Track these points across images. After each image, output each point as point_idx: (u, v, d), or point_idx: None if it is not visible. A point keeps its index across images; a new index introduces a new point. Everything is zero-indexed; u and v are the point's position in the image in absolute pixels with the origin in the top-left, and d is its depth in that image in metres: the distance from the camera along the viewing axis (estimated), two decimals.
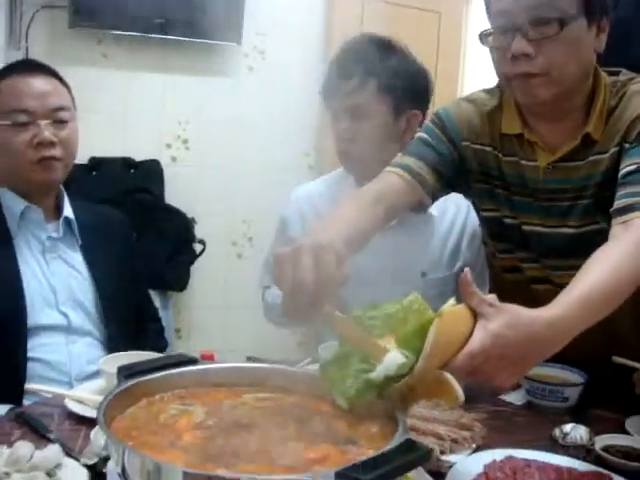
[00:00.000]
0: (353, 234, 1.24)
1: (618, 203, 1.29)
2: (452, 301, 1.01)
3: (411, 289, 1.30)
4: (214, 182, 3.28)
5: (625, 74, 1.44)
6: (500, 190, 1.49)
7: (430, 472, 1.03)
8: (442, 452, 1.15)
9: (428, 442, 1.15)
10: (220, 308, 3.36)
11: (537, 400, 1.46)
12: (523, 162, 1.45)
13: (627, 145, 1.35)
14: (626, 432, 1.32)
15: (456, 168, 1.49)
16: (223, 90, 3.25)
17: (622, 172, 1.32)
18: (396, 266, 1.81)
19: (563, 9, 1.28)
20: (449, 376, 0.95)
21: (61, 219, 1.79)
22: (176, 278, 3.18)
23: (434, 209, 1.79)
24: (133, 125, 3.13)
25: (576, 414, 1.40)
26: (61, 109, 1.73)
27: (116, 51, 3.12)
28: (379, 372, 0.93)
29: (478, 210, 1.61)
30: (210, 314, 3.35)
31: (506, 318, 1.00)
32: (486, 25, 1.38)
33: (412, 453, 0.76)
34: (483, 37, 1.37)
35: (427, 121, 1.56)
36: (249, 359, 1.58)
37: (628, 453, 1.22)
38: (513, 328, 1.00)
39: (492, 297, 1.03)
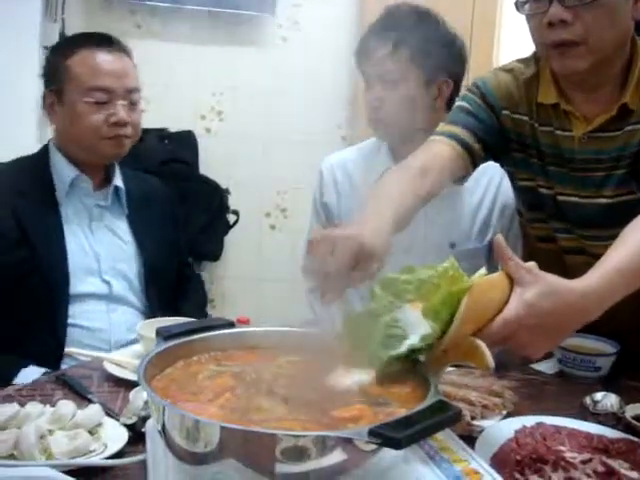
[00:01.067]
0: (397, 217, 1.23)
1: None
2: (483, 270, 1.01)
3: (439, 260, 1.31)
4: (248, 153, 3.30)
5: None
6: (535, 160, 1.49)
7: (461, 437, 1.04)
8: (473, 417, 1.17)
9: (460, 407, 1.17)
10: (253, 279, 3.39)
11: (569, 369, 1.47)
12: (558, 132, 1.44)
13: None
14: None
15: (498, 136, 1.49)
16: (257, 61, 3.25)
17: None
18: (425, 236, 1.81)
19: None
20: (481, 343, 0.96)
21: (111, 188, 1.84)
22: (210, 248, 3.22)
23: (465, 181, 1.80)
24: (167, 96, 3.15)
25: (607, 383, 1.41)
26: (136, 90, 1.81)
27: (150, 22, 3.14)
28: (413, 341, 0.94)
29: (513, 180, 1.61)
30: (243, 285, 3.39)
31: (542, 287, 1.01)
32: None
33: (443, 413, 0.78)
34: (519, 4, 1.35)
35: (464, 91, 1.55)
36: None
37: None
38: (549, 298, 1.01)
39: (532, 264, 1.04)
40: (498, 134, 1.49)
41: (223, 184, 3.22)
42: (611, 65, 1.36)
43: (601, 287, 1.06)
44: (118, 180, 1.86)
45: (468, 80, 3.05)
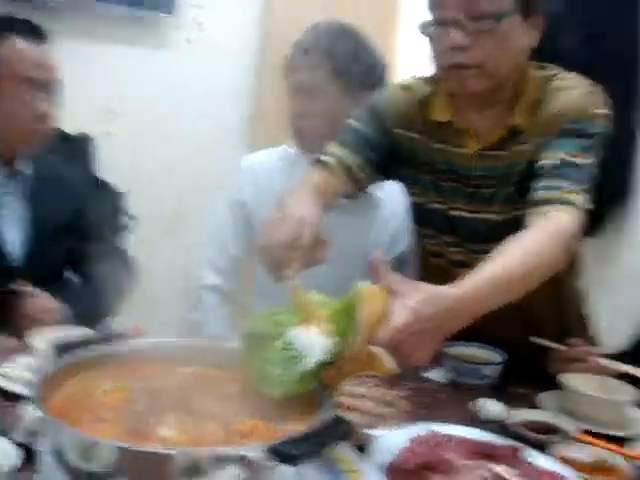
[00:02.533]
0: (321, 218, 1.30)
1: (537, 194, 1.36)
2: (365, 283, 1.05)
3: (353, 270, 1.36)
4: (147, 156, 3.24)
5: (553, 69, 1.50)
6: (429, 176, 1.54)
7: (356, 446, 1.06)
8: (367, 427, 1.20)
9: (354, 417, 1.19)
10: (148, 284, 3.33)
11: (459, 378, 1.53)
12: (452, 149, 1.50)
13: (549, 138, 1.42)
14: (539, 407, 1.40)
15: (387, 155, 1.54)
16: (158, 62, 3.20)
17: (542, 164, 1.39)
18: (339, 247, 1.85)
19: (500, 4, 1.33)
20: (379, 349, 1.00)
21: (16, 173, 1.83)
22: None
23: (380, 192, 1.84)
24: (65, 97, 3.06)
25: (494, 391, 1.47)
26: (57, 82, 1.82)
27: (46, 21, 3.03)
28: (310, 361, 0.96)
29: (406, 195, 1.66)
30: (139, 291, 3.32)
31: (423, 294, 1.08)
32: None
33: (338, 428, 0.80)
34: (424, 27, 1.41)
35: (360, 109, 1.60)
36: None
37: (539, 427, 1.29)
38: (430, 304, 1.07)
39: (398, 277, 1.11)
40: (388, 152, 1.54)
41: (121, 188, 3.15)
42: (504, 88, 1.44)
43: (473, 294, 1.14)
44: (23, 165, 1.84)
45: None
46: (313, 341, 0.96)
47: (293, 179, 1.85)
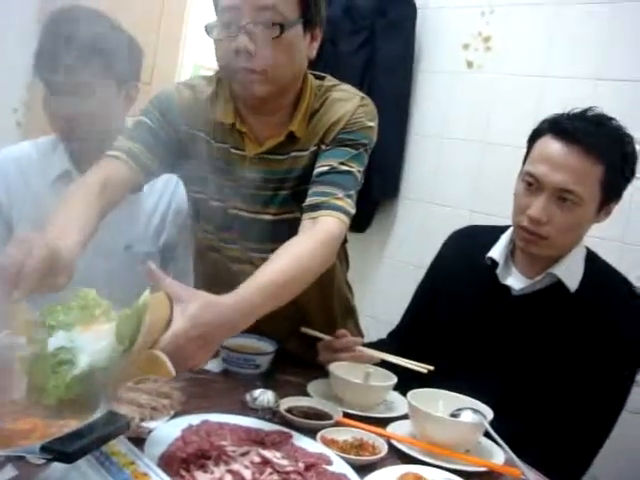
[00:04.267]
0: (84, 236, 1.26)
1: (310, 200, 1.46)
2: (147, 292, 1.04)
3: (114, 263, 1.32)
4: None
5: (330, 80, 1.60)
6: (210, 175, 1.58)
7: (131, 439, 1.08)
8: (142, 419, 1.21)
9: (129, 410, 1.20)
10: None
11: (233, 367, 1.58)
12: (233, 150, 1.55)
13: (323, 147, 1.52)
14: (308, 395, 1.50)
15: (174, 151, 1.55)
16: None
17: (316, 171, 1.49)
18: (98, 239, 1.81)
19: (285, 15, 1.39)
20: (160, 353, 1.02)
21: None
22: None
23: None
24: None
25: (266, 380, 1.54)
26: None
27: None
28: (84, 366, 0.94)
29: (188, 190, 1.68)
30: None
31: (200, 302, 1.12)
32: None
33: (113, 423, 0.81)
34: (209, 28, 1.43)
35: (148, 104, 1.59)
36: None
37: (307, 413, 1.38)
38: (208, 311, 1.12)
39: (176, 284, 1.14)
40: (175, 149, 1.55)
41: None
42: (284, 95, 1.51)
43: (246, 301, 1.20)
44: None
45: (152, 79, 3.08)
46: (91, 342, 0.95)
47: (48, 172, 1.83)
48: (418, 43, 3.00)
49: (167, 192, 1.93)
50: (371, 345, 1.70)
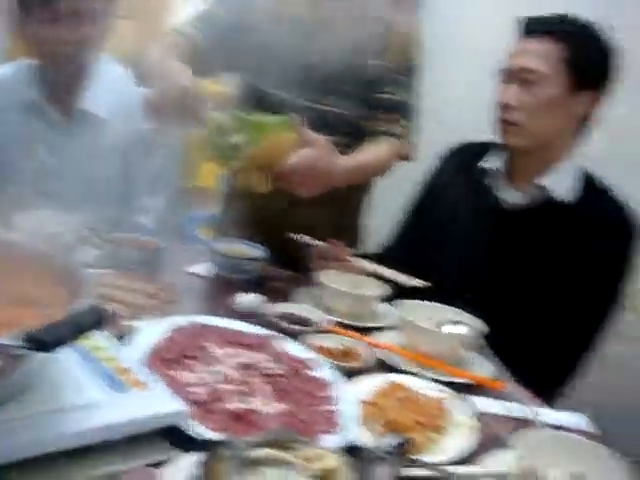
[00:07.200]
0: None
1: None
2: (284, 117, 1.45)
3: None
4: None
5: None
6: None
7: (115, 336, 1.07)
8: (128, 318, 1.20)
9: (116, 308, 1.20)
10: None
11: (223, 272, 1.58)
12: None
13: None
14: (296, 302, 1.49)
15: None
16: None
17: None
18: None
19: None
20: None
21: None
22: None
23: None
24: None
25: (255, 285, 1.53)
26: None
27: None
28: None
29: None
30: None
31: (326, 149, 1.45)
32: None
33: (94, 316, 0.79)
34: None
35: None
36: None
37: (293, 319, 1.38)
38: (327, 158, 1.46)
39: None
40: None
41: None
42: None
43: (351, 167, 1.59)
44: None
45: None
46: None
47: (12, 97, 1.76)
48: None
49: None
50: (363, 256, 1.68)
